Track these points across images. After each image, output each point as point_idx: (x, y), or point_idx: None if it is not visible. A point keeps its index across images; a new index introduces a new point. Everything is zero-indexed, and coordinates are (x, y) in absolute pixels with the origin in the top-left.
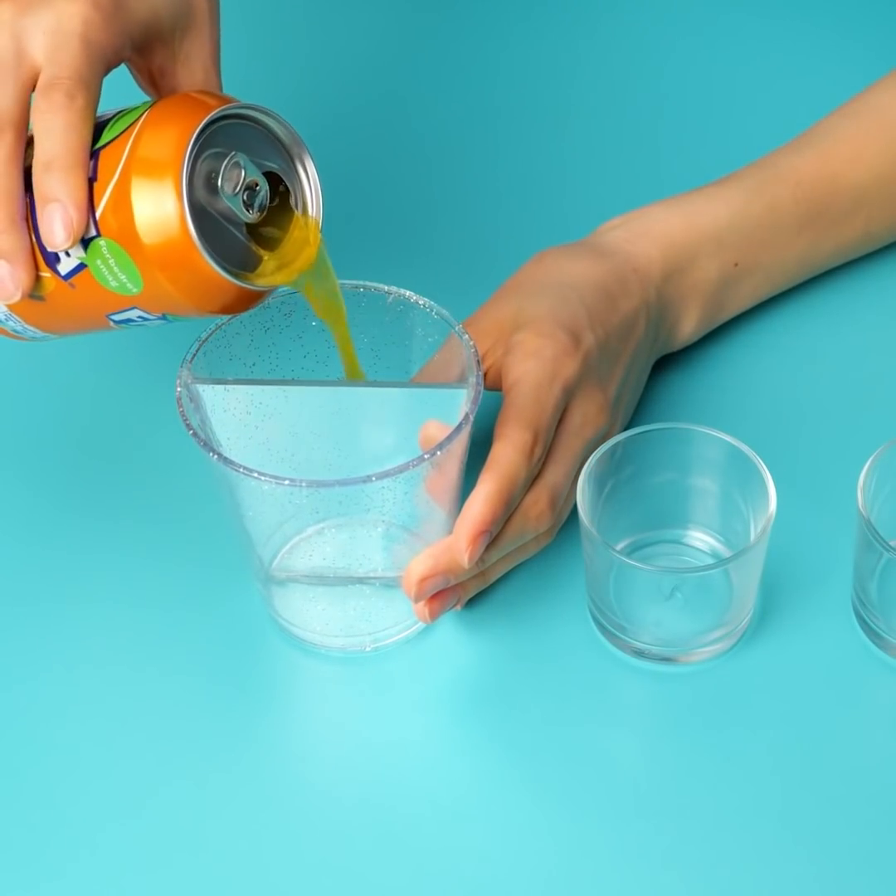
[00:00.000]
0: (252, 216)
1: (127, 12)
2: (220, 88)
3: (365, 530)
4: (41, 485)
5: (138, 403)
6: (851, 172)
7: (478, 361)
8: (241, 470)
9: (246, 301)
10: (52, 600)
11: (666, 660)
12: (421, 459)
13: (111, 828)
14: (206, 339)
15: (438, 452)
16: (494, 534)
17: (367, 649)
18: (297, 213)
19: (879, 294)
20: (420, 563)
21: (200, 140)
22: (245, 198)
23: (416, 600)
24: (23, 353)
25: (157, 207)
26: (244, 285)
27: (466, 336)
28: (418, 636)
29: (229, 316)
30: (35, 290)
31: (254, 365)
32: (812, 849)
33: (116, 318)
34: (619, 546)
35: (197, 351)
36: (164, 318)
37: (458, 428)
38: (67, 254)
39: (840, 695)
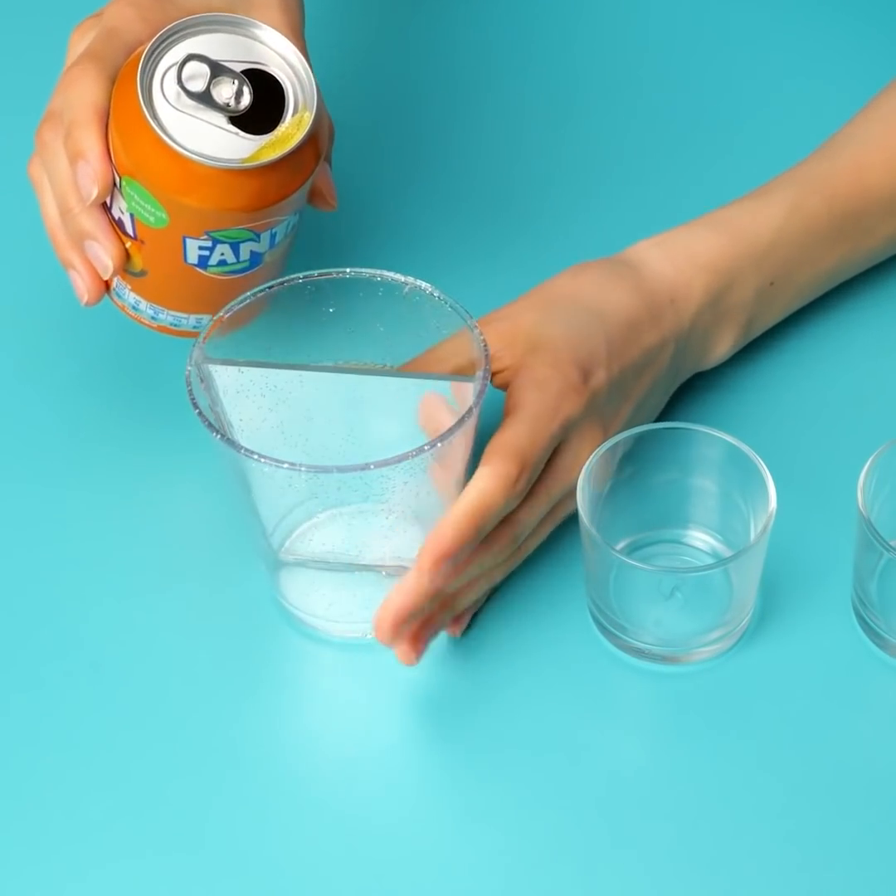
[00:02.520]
0: (233, 108)
1: (170, 5)
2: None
3: (372, 519)
4: (49, 465)
5: (151, 385)
6: (884, 181)
7: (487, 356)
8: (243, 451)
9: (264, 186)
10: (54, 583)
11: (666, 659)
12: (420, 450)
13: (105, 806)
14: (220, 319)
15: (439, 444)
16: (459, 559)
17: (368, 637)
18: (290, 101)
19: (879, 294)
20: (386, 608)
21: (155, 52)
22: (218, 94)
23: (394, 645)
24: (33, 337)
25: (130, 122)
26: (227, 166)
27: (477, 331)
28: None
29: (271, 215)
30: (131, 266)
31: (269, 348)
32: (812, 848)
33: (192, 259)
34: (619, 546)
35: (211, 331)
36: (219, 240)
37: (461, 421)
38: (122, 211)
39: (840, 694)
